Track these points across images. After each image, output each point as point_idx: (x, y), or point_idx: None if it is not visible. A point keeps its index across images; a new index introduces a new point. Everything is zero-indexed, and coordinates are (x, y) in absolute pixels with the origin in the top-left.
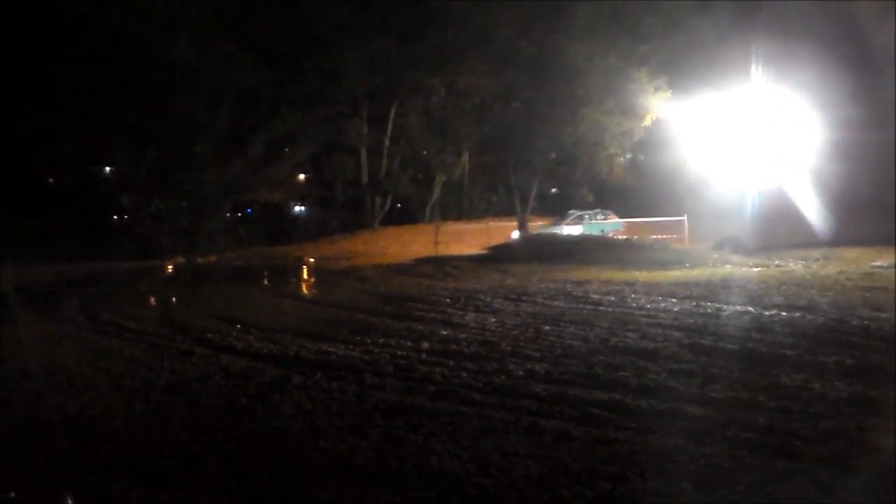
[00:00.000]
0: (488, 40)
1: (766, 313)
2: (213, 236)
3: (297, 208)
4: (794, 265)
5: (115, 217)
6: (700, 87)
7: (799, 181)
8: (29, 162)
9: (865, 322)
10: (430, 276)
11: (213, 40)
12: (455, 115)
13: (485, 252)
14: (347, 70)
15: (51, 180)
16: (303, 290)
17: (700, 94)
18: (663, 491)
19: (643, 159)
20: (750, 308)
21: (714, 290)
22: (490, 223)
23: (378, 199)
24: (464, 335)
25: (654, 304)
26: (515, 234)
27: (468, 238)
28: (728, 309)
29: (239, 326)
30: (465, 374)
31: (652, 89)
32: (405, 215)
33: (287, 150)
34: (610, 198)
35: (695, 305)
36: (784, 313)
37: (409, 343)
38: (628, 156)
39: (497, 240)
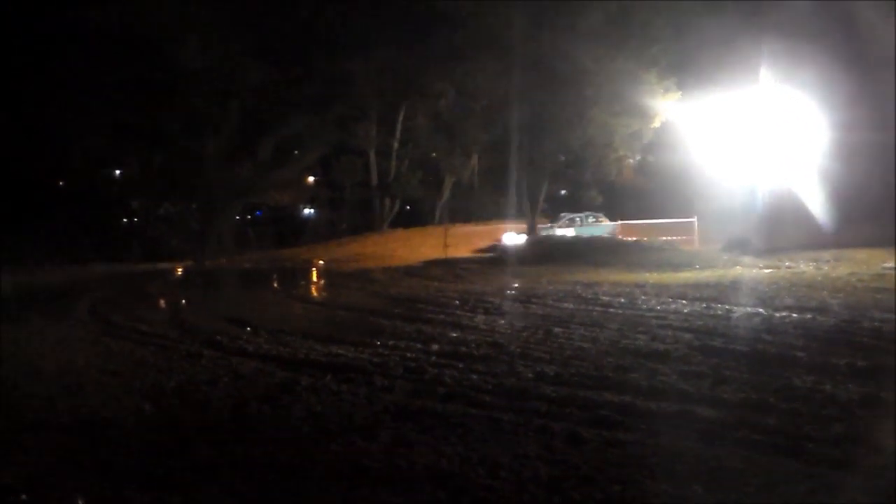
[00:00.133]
0: (497, 42)
1: (777, 315)
2: (222, 239)
3: (306, 211)
4: (805, 266)
5: (125, 220)
6: (709, 88)
7: (809, 182)
8: (38, 165)
9: (877, 324)
10: (440, 279)
11: (223, 43)
12: (464, 118)
13: (475, 255)
14: (357, 73)
15: (60, 183)
16: (312, 293)
17: (709, 95)
18: (674, 493)
19: (652, 161)
20: (761, 309)
21: (724, 291)
22: (498, 225)
23: (387, 202)
24: (473, 337)
25: (664, 306)
26: (508, 237)
27: (477, 240)
28: (739, 310)
29: (248, 329)
30: (474, 377)
31: (661, 91)
32: (414, 218)
33: (296, 152)
34: (619, 199)
35: (705, 307)
36: (795, 315)
37: (418, 345)
38: (637, 157)
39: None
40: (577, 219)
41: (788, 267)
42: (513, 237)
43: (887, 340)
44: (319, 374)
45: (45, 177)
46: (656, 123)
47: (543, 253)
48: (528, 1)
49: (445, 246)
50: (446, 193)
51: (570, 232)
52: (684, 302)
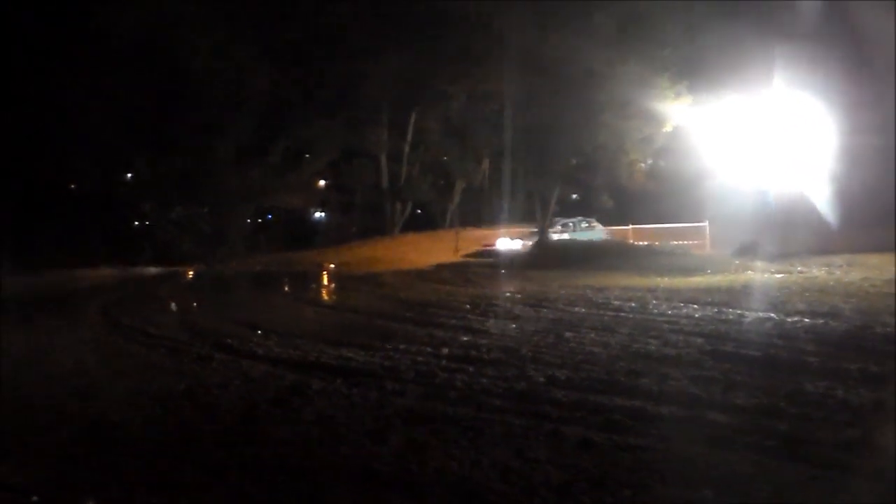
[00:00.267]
0: (508, 46)
1: (789, 320)
2: (233, 242)
3: (318, 214)
4: (817, 271)
5: (137, 223)
6: (720, 93)
7: (821, 187)
8: (50, 168)
9: (890, 329)
10: (451, 282)
11: (234, 47)
12: (475, 121)
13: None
14: (368, 76)
15: (72, 186)
16: (323, 296)
17: (720, 100)
18: (685, 498)
19: (664, 165)
20: (772, 314)
21: (736, 296)
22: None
23: (398, 206)
24: (484, 341)
25: (675, 311)
26: (502, 243)
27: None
28: (750, 315)
29: (259, 332)
30: (485, 381)
31: (672, 95)
32: (425, 221)
33: (307, 156)
34: (630, 204)
35: (717, 312)
36: (807, 320)
37: (429, 349)
38: (649, 161)
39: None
40: (571, 224)
41: (800, 272)
42: (507, 242)
43: None
44: (330, 377)
45: (57, 179)
46: (668, 127)
47: (555, 257)
48: (540, 4)
49: (457, 250)
50: (457, 197)
51: (564, 237)
52: (696, 306)
